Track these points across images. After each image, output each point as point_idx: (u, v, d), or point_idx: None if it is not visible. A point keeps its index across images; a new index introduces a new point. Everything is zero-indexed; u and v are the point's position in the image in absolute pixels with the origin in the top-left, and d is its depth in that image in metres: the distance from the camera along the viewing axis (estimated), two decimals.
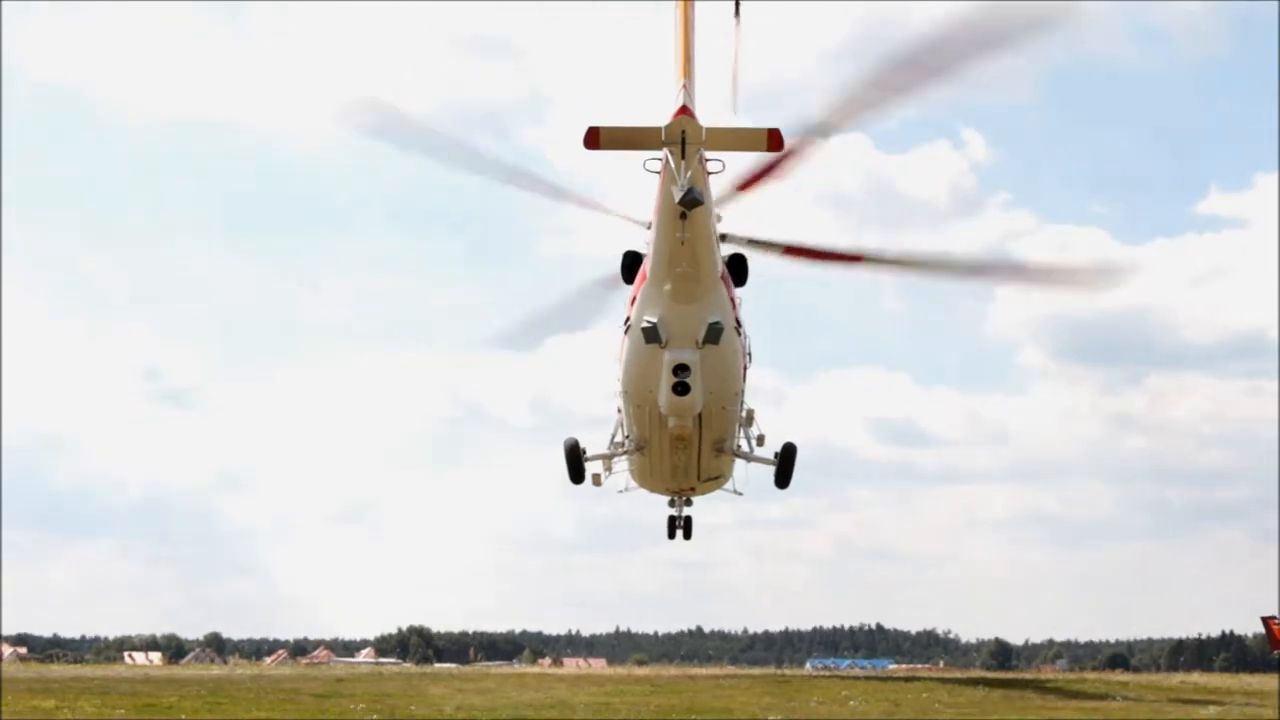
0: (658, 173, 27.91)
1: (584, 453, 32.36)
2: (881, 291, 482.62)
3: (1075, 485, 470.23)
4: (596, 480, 33.28)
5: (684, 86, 26.94)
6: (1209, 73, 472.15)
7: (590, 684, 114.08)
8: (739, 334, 30.50)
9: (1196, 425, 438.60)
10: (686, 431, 30.35)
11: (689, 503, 35.96)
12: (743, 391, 31.53)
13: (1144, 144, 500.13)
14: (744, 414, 32.78)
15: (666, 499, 36.57)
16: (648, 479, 34.68)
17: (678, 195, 27.06)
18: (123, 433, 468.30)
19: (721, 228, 32.11)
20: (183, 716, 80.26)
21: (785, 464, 33.12)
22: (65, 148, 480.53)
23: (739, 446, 33.52)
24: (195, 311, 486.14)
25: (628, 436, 32.02)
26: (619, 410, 32.02)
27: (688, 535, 36.47)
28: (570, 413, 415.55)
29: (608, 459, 33.01)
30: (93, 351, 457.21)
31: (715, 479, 34.73)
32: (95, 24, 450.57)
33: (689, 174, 26.65)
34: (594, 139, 28.11)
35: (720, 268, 29.77)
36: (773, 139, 28.50)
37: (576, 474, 32.40)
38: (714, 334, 28.29)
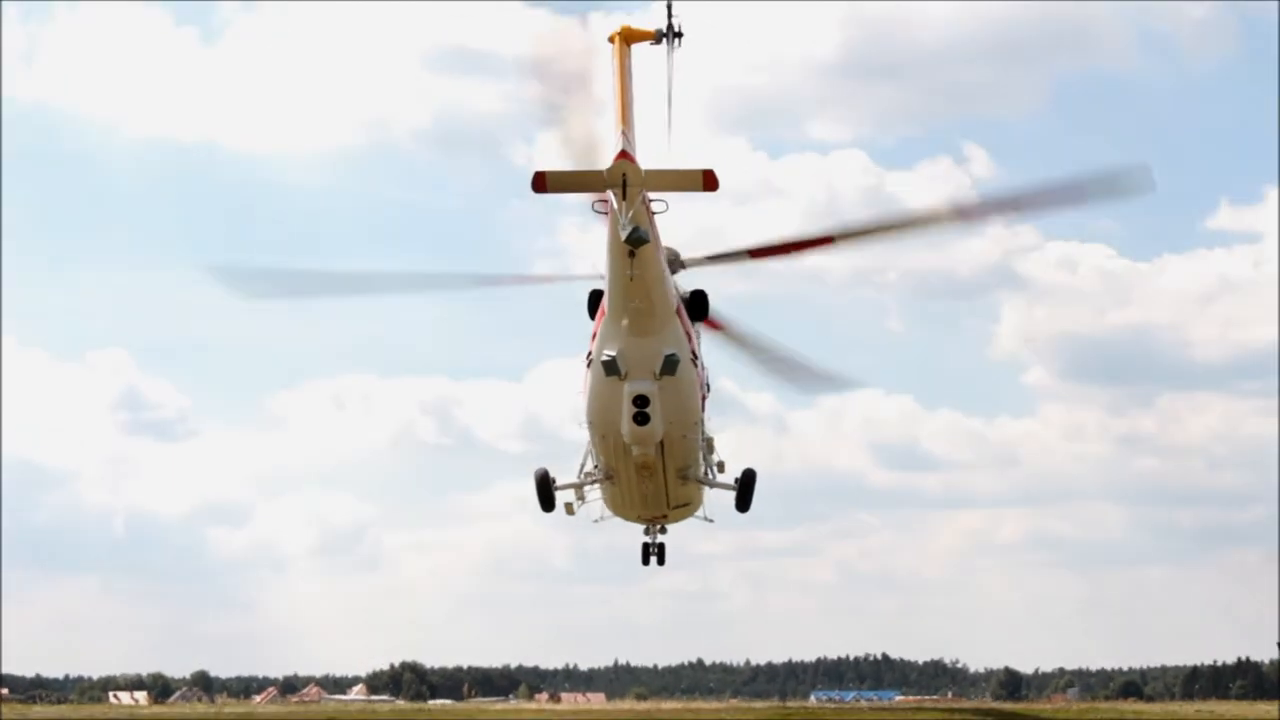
0: (604, 214, 29.66)
1: (554, 482, 33.87)
2: (884, 312, 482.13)
3: (1085, 508, 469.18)
4: (569, 509, 34.65)
5: (623, 132, 28.75)
6: (1218, 84, 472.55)
7: (593, 715, 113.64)
8: (696, 365, 32.34)
9: (1208, 445, 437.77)
10: (650, 460, 32.14)
11: (663, 530, 38.12)
12: (702, 421, 33.48)
13: (1151, 157, 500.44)
14: (705, 442, 34.96)
15: (642, 527, 37.82)
16: (620, 507, 35.90)
17: (623, 234, 28.67)
18: (103, 466, 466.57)
19: (684, 255, 35.04)
20: None
21: (745, 489, 35.29)
22: (37, 169, 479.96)
23: (703, 473, 35.28)
24: (174, 339, 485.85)
25: (596, 466, 33.73)
26: (589, 441, 34.00)
27: (661, 561, 38.70)
28: (562, 439, 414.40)
29: (578, 488, 34.45)
30: (68, 381, 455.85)
31: (685, 506, 36.29)
32: (64, 43, 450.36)
33: (631, 214, 28.27)
34: (540, 183, 28.99)
35: (674, 301, 31.68)
36: (707, 179, 29.97)
37: (547, 503, 33.95)
38: (670, 365, 30.33)
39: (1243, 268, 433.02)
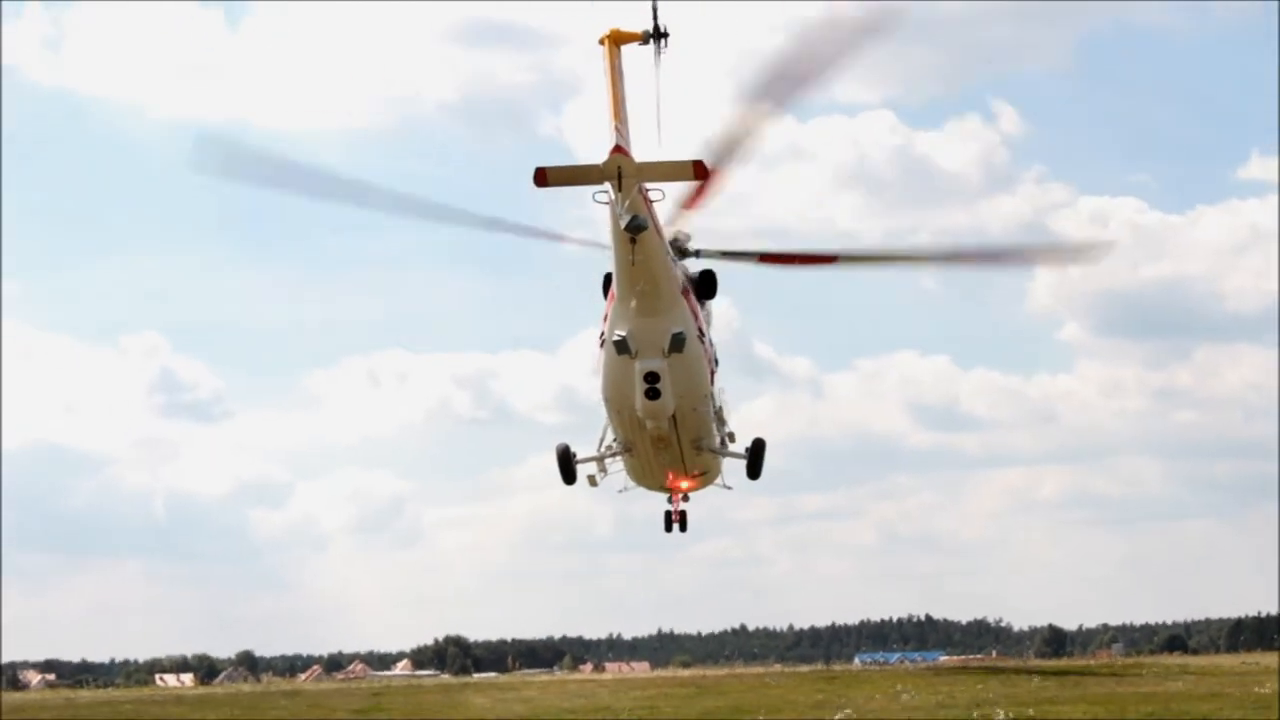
0: (607, 204, 31.84)
1: (574, 456, 36.33)
2: (915, 272, 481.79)
3: (1124, 464, 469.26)
4: (592, 481, 37.00)
5: (616, 128, 31.23)
6: (1248, 32, 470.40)
7: (633, 688, 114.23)
8: (703, 342, 34.67)
9: (1245, 396, 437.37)
10: (664, 432, 34.56)
11: (686, 498, 39.17)
12: (712, 394, 35.88)
13: (1181, 109, 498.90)
14: (716, 413, 37.19)
15: (665, 496, 39.60)
16: (641, 477, 38.18)
17: (622, 223, 31.21)
18: (142, 448, 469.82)
19: (694, 244, 37.03)
20: None
21: (755, 457, 37.06)
22: (64, 155, 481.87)
23: (716, 443, 37.55)
24: (210, 319, 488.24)
25: (615, 440, 36.27)
26: (606, 416, 36.48)
27: (683, 528, 39.36)
28: (598, 409, 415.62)
29: (599, 460, 36.78)
30: (105, 365, 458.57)
31: (704, 474, 38.40)
32: (87, 26, 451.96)
33: (627, 204, 30.65)
34: (542, 178, 31.38)
35: (679, 282, 34.09)
36: (698, 168, 31.92)
37: (569, 476, 36.64)
38: (678, 343, 32.60)
39: (1275, 218, 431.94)
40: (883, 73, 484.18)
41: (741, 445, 38.97)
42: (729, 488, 38.88)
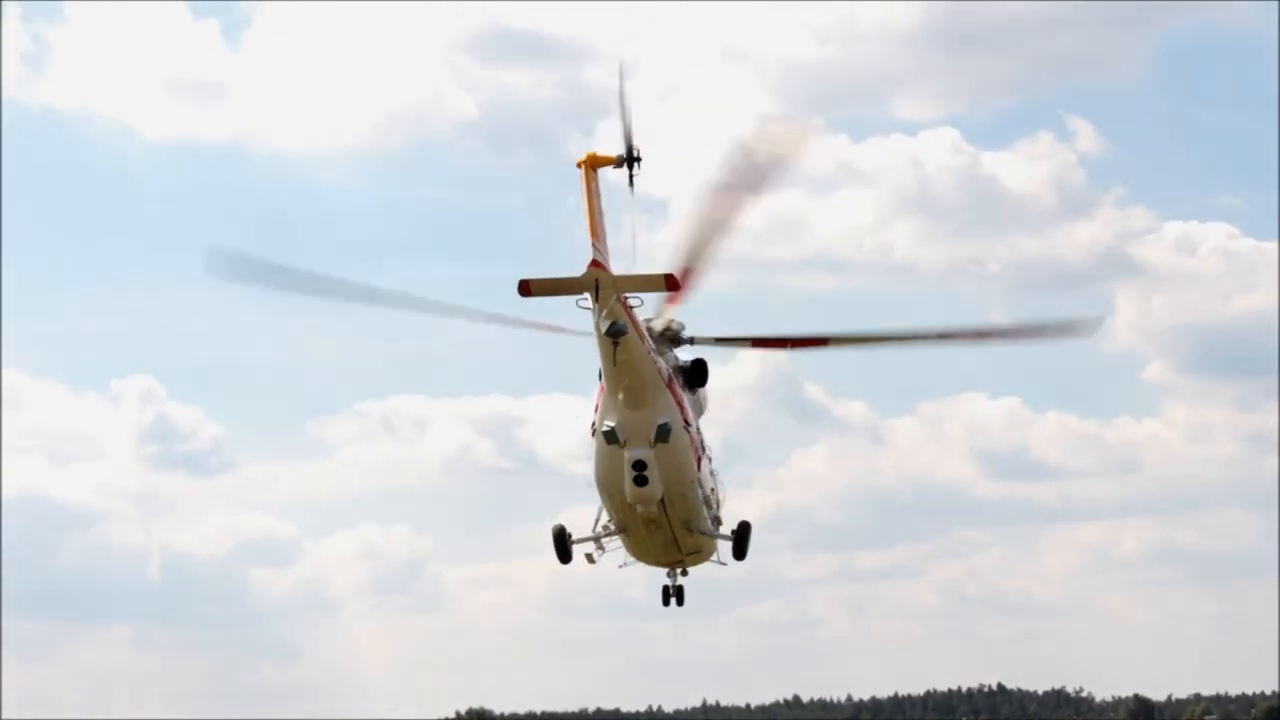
0: (589, 310, 36.33)
1: (570, 537, 40.03)
2: (985, 306, 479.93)
3: (1215, 516, 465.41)
4: (589, 559, 40.26)
5: (594, 245, 36.45)
6: None
7: None
8: (689, 430, 38.43)
9: None
10: (654, 515, 38.49)
11: (684, 573, 43.15)
12: (699, 480, 39.30)
13: (1275, 125, 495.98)
14: (705, 497, 40.60)
15: (664, 571, 43.66)
16: (639, 554, 41.42)
17: (602, 329, 36.24)
18: (134, 503, 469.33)
19: (688, 331, 41.19)
20: None
21: (740, 540, 41.50)
22: (48, 180, 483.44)
23: (706, 525, 41.17)
24: (208, 361, 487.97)
25: (609, 520, 40.02)
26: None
27: (680, 603, 43.78)
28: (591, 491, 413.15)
29: (596, 540, 40.39)
30: (93, 412, 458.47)
31: (697, 553, 41.81)
32: (74, 43, 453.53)
33: (606, 312, 35.70)
34: (526, 289, 36.90)
35: (664, 375, 38.21)
36: (669, 280, 37.50)
37: (564, 556, 40.02)
38: (664, 434, 36.96)
39: None
40: (945, 86, 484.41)
41: (728, 528, 42.56)
42: (723, 564, 42.33)
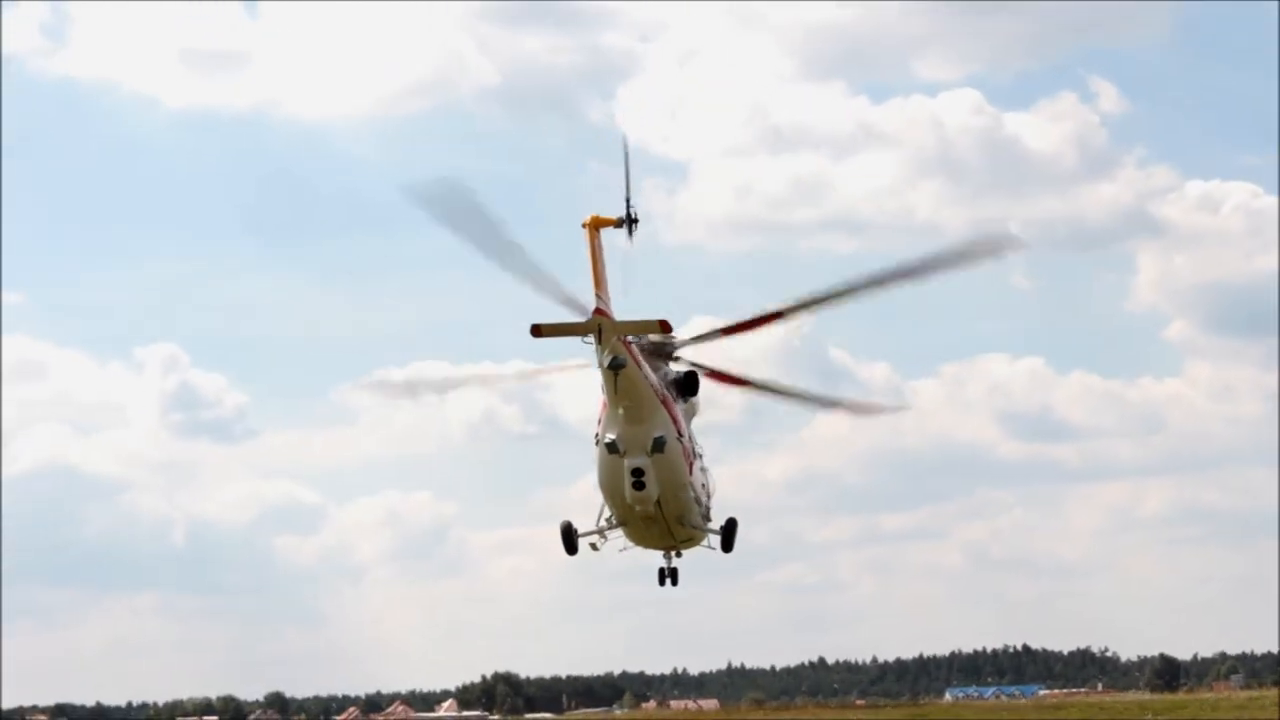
0: (593, 346, 42.01)
1: (576, 531, 45.45)
2: (1006, 268, 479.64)
3: (1239, 474, 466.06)
4: (593, 547, 46.06)
5: (598, 294, 41.46)
6: None
7: None
8: (681, 440, 43.89)
9: None
10: (651, 513, 43.67)
11: (678, 554, 48.07)
12: (690, 483, 44.68)
13: None
14: (695, 495, 45.90)
15: (660, 554, 48.74)
16: (638, 541, 46.82)
17: (604, 364, 41.61)
18: (158, 472, 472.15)
19: (686, 355, 45.96)
20: None
21: (727, 535, 46.32)
22: (69, 152, 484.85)
23: (696, 521, 46.45)
24: (231, 329, 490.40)
25: (611, 516, 45.17)
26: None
27: (675, 583, 48.88)
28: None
29: (600, 532, 45.64)
30: (117, 380, 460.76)
31: (689, 540, 47.07)
32: (92, 11, 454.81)
33: (608, 349, 41.26)
34: (537, 331, 41.60)
35: (659, 395, 43.33)
36: (663, 326, 42.43)
37: (571, 549, 45.83)
38: (659, 445, 42.46)
39: None
40: (965, 46, 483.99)
41: (717, 523, 47.58)
42: (713, 548, 47.17)
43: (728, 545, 46.33)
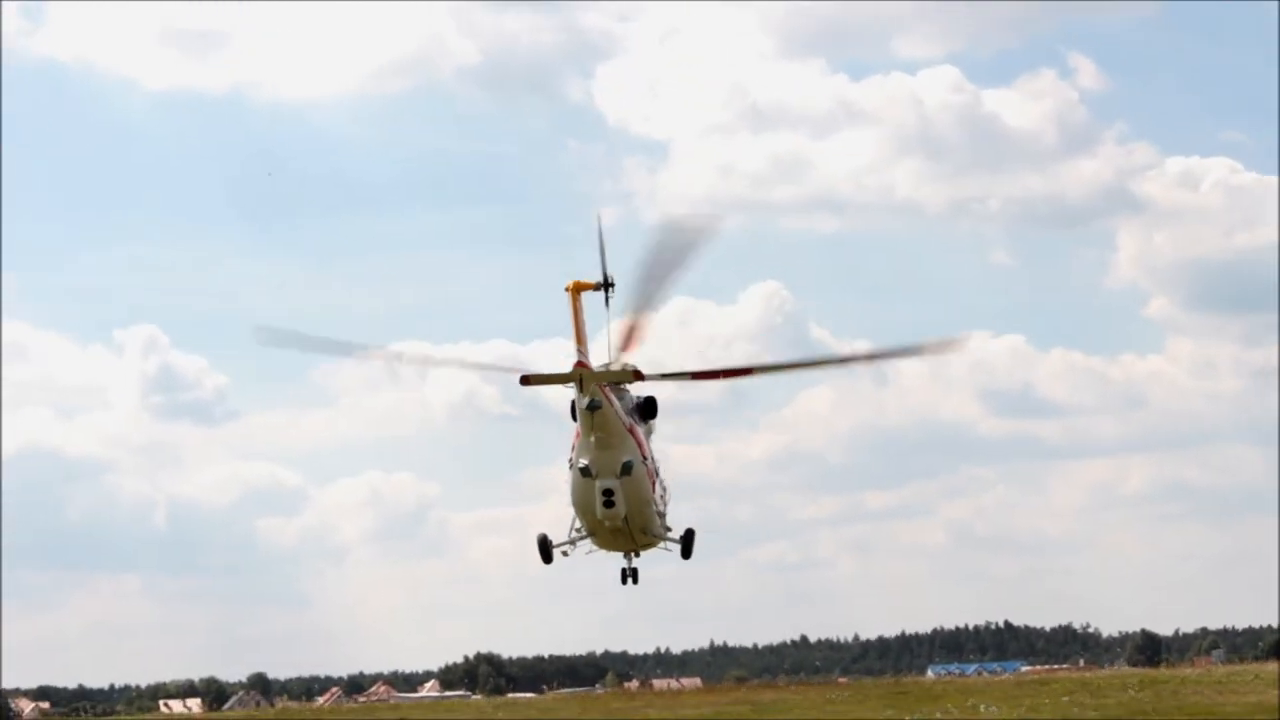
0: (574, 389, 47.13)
1: (551, 542, 50.26)
2: (987, 245, 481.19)
3: (1220, 452, 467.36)
4: (565, 554, 50.78)
5: (579, 350, 46.05)
6: None
7: (684, 707, 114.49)
8: (646, 463, 48.84)
9: None
10: (619, 525, 48.55)
11: (637, 555, 52.32)
12: (652, 499, 49.71)
13: (1277, 59, 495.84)
14: (659, 510, 51.17)
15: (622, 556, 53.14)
16: (604, 548, 51.35)
17: (583, 405, 46.20)
18: (140, 454, 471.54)
19: (644, 371, 49.07)
20: None
21: (686, 544, 51.46)
22: (48, 134, 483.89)
23: (657, 530, 51.59)
24: (211, 310, 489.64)
25: (580, 528, 50.12)
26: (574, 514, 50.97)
27: (635, 582, 52.86)
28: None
29: (571, 542, 50.34)
30: (97, 363, 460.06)
31: (649, 545, 51.60)
32: None
33: (586, 394, 46.04)
34: (525, 381, 46.82)
35: (626, 425, 48.00)
36: (636, 375, 47.76)
37: (546, 558, 50.75)
38: (627, 469, 47.32)
39: None
40: (945, 23, 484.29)
41: (677, 533, 52.32)
42: (669, 550, 52.05)
43: (686, 553, 51.64)
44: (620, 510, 47.05)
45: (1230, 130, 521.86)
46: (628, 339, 47.09)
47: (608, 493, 46.68)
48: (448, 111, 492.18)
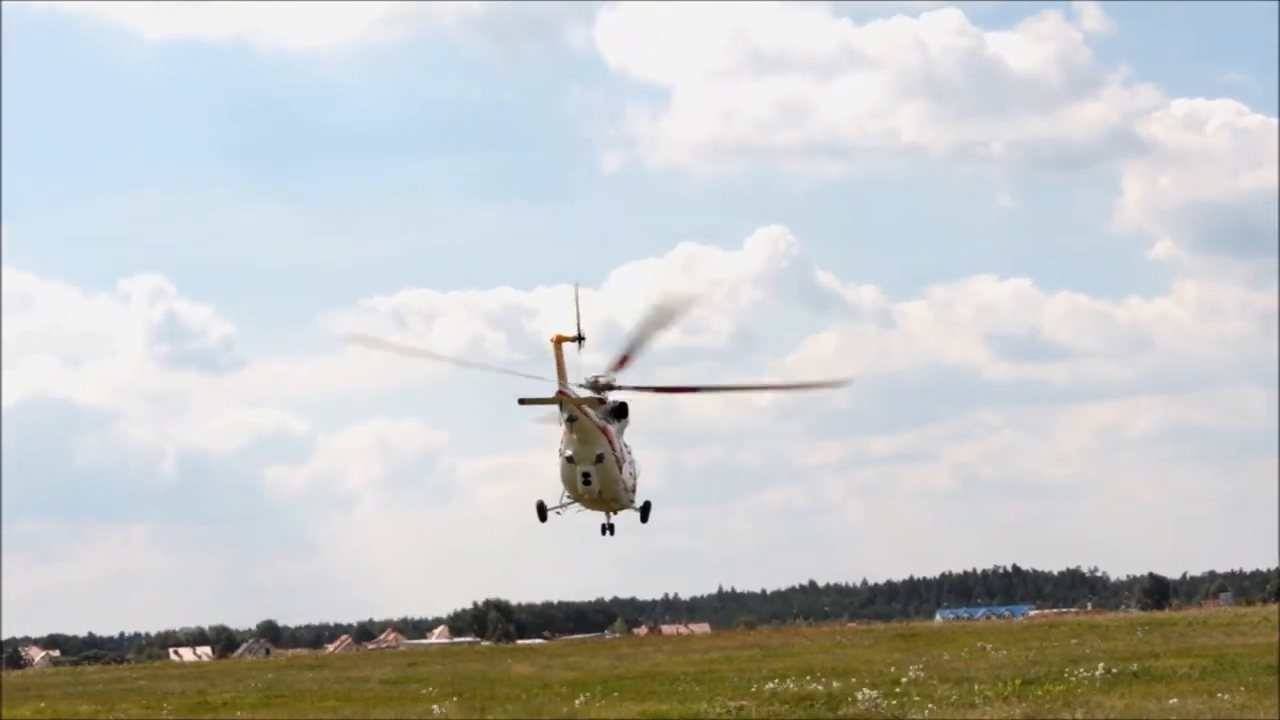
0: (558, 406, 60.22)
1: (545, 506, 63.16)
2: (991, 189, 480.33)
3: (1227, 394, 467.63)
4: (558, 513, 63.48)
5: (561, 381, 58.50)
6: None
7: (693, 652, 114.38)
8: (615, 452, 61.74)
9: None
10: (595, 497, 62.10)
11: (614, 514, 64.99)
12: (621, 479, 62.66)
13: None
14: (627, 486, 64.12)
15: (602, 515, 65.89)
16: (589, 508, 63.72)
17: (564, 418, 59.59)
18: (147, 402, 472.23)
19: (620, 382, 61.73)
20: (239, 714, 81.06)
21: (644, 512, 65.21)
22: (49, 83, 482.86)
23: (625, 501, 65.00)
24: (216, 258, 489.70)
25: (566, 497, 63.04)
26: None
27: (612, 533, 66.29)
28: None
29: (562, 506, 63.13)
30: (103, 312, 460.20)
31: (621, 508, 64.43)
32: None
33: (566, 411, 59.19)
34: (522, 402, 59.27)
35: (600, 428, 60.84)
36: (600, 401, 60.93)
37: (543, 518, 63.63)
38: (600, 459, 60.80)
39: None
40: None
41: (639, 502, 65.87)
42: (637, 511, 65.42)
43: (644, 519, 65.38)
44: (595, 487, 61.24)
45: (1235, 72, 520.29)
46: (620, 364, 61.18)
47: (585, 475, 60.73)
48: (450, 58, 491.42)
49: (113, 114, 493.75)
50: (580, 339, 60.63)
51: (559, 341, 60.00)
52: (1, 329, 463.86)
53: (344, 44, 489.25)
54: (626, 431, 65.39)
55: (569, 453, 61.72)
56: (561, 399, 59.52)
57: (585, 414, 60.95)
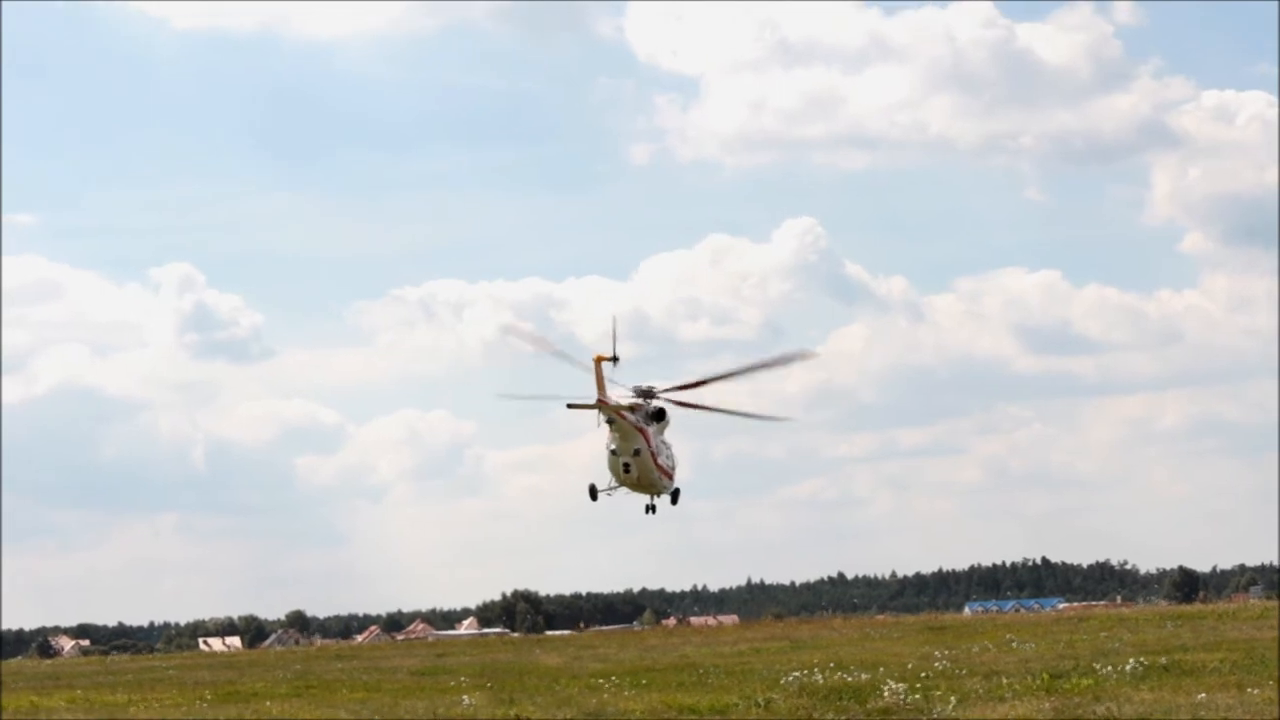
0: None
1: (596, 487, 70.67)
2: (1021, 181, 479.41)
3: (1258, 387, 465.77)
4: (609, 494, 71.30)
5: (600, 390, 66.04)
6: None
7: (721, 643, 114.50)
8: (651, 447, 69.53)
9: None
10: (635, 484, 69.76)
11: (657, 497, 72.39)
12: (656, 467, 70.10)
13: None
14: (665, 475, 71.41)
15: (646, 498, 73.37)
16: (633, 491, 71.25)
17: (604, 419, 67.03)
18: (176, 392, 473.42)
19: (658, 389, 70.56)
20: (269, 704, 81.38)
21: (674, 496, 72.36)
22: (81, 72, 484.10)
23: (662, 487, 72.41)
24: (246, 249, 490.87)
25: (613, 482, 70.55)
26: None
27: (654, 512, 73.14)
28: (670, 337, 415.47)
29: (611, 489, 70.72)
30: (133, 301, 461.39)
31: (660, 493, 71.98)
32: None
33: (604, 414, 66.86)
34: (570, 406, 67.16)
35: (636, 427, 68.72)
36: (633, 408, 68.43)
37: (594, 498, 71.08)
38: (638, 453, 68.46)
39: None
40: None
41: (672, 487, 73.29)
42: (665, 495, 72.93)
43: (674, 501, 72.51)
44: (635, 475, 69.62)
45: (1266, 64, 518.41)
46: (681, 388, 69.95)
47: (626, 465, 69.03)
48: (477, 49, 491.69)
49: (142, 104, 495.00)
50: (615, 359, 69.40)
51: (599, 360, 68.72)
52: (1, 328, 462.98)
53: (373, 34, 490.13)
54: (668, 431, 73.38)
55: (613, 446, 70.54)
56: (600, 405, 68.23)
57: (623, 417, 70.00)
